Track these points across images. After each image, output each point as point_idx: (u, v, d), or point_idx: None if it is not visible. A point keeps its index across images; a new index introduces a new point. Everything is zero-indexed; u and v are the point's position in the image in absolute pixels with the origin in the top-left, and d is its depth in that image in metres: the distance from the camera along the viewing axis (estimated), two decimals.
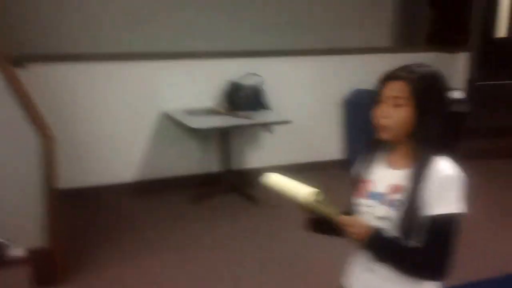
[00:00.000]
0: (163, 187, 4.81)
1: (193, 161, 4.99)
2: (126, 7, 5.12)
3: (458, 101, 5.45)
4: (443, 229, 1.49)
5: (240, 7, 5.54)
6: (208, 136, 4.91)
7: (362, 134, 5.27)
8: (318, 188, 1.56)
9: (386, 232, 1.52)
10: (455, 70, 5.75)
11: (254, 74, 4.90)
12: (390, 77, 1.56)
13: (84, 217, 4.24)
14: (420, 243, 1.50)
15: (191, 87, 4.90)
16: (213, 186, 4.78)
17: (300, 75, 5.33)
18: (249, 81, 4.87)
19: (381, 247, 1.53)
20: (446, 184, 1.50)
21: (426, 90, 1.53)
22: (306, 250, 3.75)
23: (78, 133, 4.57)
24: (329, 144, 5.57)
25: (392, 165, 1.60)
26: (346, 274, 1.75)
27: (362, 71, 5.48)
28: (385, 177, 1.60)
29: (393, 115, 1.53)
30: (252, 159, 5.21)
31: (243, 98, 4.79)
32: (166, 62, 4.83)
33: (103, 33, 4.98)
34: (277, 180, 1.66)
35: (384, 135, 1.57)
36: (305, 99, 5.36)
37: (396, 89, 1.53)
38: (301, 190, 1.58)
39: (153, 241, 3.87)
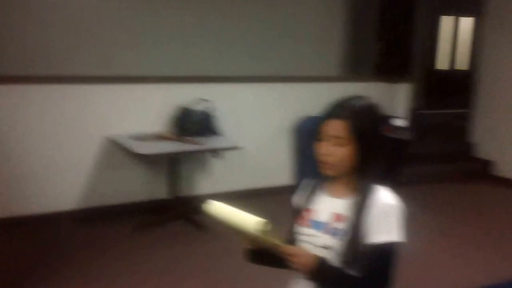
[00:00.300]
0: (107, 215, 4.68)
1: (139, 187, 4.90)
2: (73, 30, 5.07)
3: (400, 128, 5.61)
4: (383, 257, 1.51)
5: (191, 32, 5.57)
6: (155, 162, 4.85)
7: (312, 160, 5.37)
8: (263, 218, 1.53)
9: (330, 261, 1.54)
10: (398, 99, 5.94)
11: (205, 100, 4.90)
12: (330, 115, 1.59)
13: (20, 248, 4.07)
14: (361, 272, 1.52)
15: (138, 112, 4.85)
16: (160, 213, 4.69)
17: (251, 102, 5.37)
18: (199, 107, 4.87)
19: (325, 277, 1.53)
20: (386, 213, 1.53)
21: (366, 127, 1.57)
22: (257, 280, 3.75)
23: (15, 158, 4.41)
24: (279, 170, 5.60)
25: (334, 194, 1.63)
26: None
27: (312, 98, 5.57)
28: (327, 206, 1.62)
29: (335, 153, 1.57)
30: (201, 185, 5.17)
31: (193, 124, 4.77)
32: (112, 86, 4.76)
33: (44, 55, 4.90)
34: (221, 209, 1.62)
35: (328, 172, 1.60)
36: (256, 125, 5.39)
37: (337, 128, 1.56)
38: (247, 219, 1.54)
39: (94, 272, 3.69)
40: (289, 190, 5.39)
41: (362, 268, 1.51)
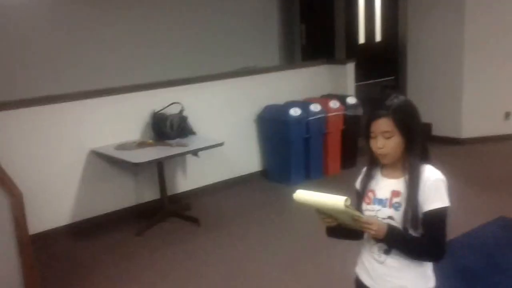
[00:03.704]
0: (101, 225, 4.80)
1: (127, 194, 5.06)
2: (37, 52, 5.10)
3: (353, 105, 6.08)
4: (438, 220, 1.88)
5: (151, 40, 5.74)
6: (141, 167, 5.02)
7: (275, 145, 5.73)
8: (345, 196, 1.79)
9: (398, 228, 1.89)
10: (346, 78, 6.37)
11: (176, 103, 5.11)
12: (376, 116, 1.91)
13: None
14: (419, 234, 1.89)
15: (115, 123, 4.97)
16: (152, 215, 4.88)
17: (216, 98, 5.62)
18: (172, 110, 5.08)
19: (396, 240, 1.88)
20: (435, 185, 1.88)
21: (405, 119, 1.91)
22: (255, 263, 4.06)
23: None
24: (248, 158, 5.93)
25: (389, 176, 1.97)
26: (356, 265, 2.10)
27: (271, 88, 5.94)
28: (385, 186, 1.96)
29: (387, 145, 1.89)
30: (183, 183, 5.41)
31: (169, 127, 4.97)
32: (87, 101, 4.82)
33: (16, 80, 4.91)
34: (307, 195, 1.87)
35: (385, 161, 1.94)
36: (222, 119, 5.66)
37: (384, 125, 1.88)
38: (334, 199, 1.79)
39: (102, 282, 3.83)
40: (259, 175, 5.81)
41: (418, 231, 1.88)
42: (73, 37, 5.38)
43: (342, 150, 6.05)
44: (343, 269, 3.71)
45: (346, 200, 1.75)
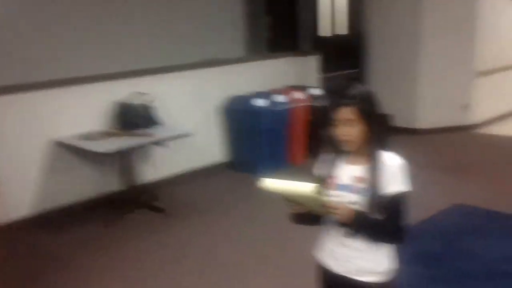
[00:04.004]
0: (67, 216, 4.76)
1: (92, 184, 5.04)
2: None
3: (318, 97, 6.18)
4: (398, 203, 1.97)
5: (118, 30, 5.70)
6: (106, 157, 5.00)
7: (242, 135, 5.79)
8: (315, 183, 1.87)
9: (363, 212, 1.98)
10: (311, 70, 6.48)
11: (141, 93, 5.10)
12: (340, 104, 1.98)
13: None
14: (381, 217, 1.98)
15: (81, 113, 4.93)
16: (118, 205, 4.88)
17: (183, 88, 5.64)
18: (137, 100, 5.07)
19: (361, 223, 1.96)
20: (396, 171, 1.97)
21: (368, 107, 1.98)
22: (226, 250, 4.13)
23: None
24: (215, 149, 5.97)
25: (352, 163, 2.05)
26: (319, 249, 2.18)
27: (236, 79, 5.98)
28: (348, 172, 2.04)
29: (350, 132, 1.97)
30: (150, 173, 5.41)
31: (135, 117, 4.97)
32: (52, 90, 4.78)
33: None
34: (275, 183, 1.92)
35: (348, 148, 2.01)
36: (190, 109, 5.67)
37: (347, 113, 1.95)
38: (304, 186, 1.85)
39: (77, 280, 3.77)
40: (225, 165, 5.86)
41: (384, 214, 1.97)
42: (36, 26, 5.29)
43: (307, 140, 6.15)
44: (309, 253, 3.85)
45: (316, 187, 1.82)
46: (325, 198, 1.92)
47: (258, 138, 5.71)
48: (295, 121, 5.95)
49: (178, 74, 5.62)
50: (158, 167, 5.45)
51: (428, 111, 7.01)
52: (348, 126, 1.97)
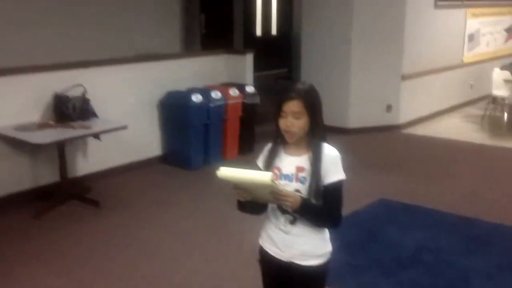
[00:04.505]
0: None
1: (24, 176, 4.92)
2: None
3: (251, 94, 6.33)
4: (337, 191, 2.14)
5: (56, 21, 5.60)
6: (40, 149, 4.91)
7: (176, 130, 5.83)
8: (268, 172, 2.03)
9: (308, 199, 2.11)
10: (245, 68, 6.60)
11: (78, 85, 5.04)
12: (287, 97, 2.12)
13: None
14: (322, 203, 2.13)
15: (15, 103, 4.79)
16: (51, 197, 4.80)
17: (118, 82, 5.60)
18: (74, 92, 5.00)
19: (307, 210, 2.10)
20: (334, 161, 2.14)
21: (312, 102, 2.15)
22: (157, 241, 4.20)
23: None
24: (149, 142, 5.98)
25: (293, 154, 2.19)
26: (262, 237, 2.31)
27: (171, 74, 6.02)
28: (290, 162, 2.18)
29: (295, 124, 2.11)
30: (83, 165, 5.35)
31: (71, 109, 4.91)
32: None
33: None
34: (231, 172, 2.01)
35: (291, 139, 2.14)
36: (125, 103, 5.65)
37: (294, 106, 2.10)
38: (260, 175, 1.98)
39: (3, 268, 3.71)
40: (160, 159, 5.89)
41: (323, 200, 2.12)
42: None
43: (240, 136, 6.29)
44: (240, 244, 3.98)
45: (271, 176, 1.95)
46: (279, 187, 2.04)
47: (192, 133, 5.77)
48: (228, 117, 6.07)
49: (115, 67, 5.59)
50: (92, 160, 5.41)
51: (357, 111, 7.32)
52: (294, 118, 2.11)
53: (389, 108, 7.50)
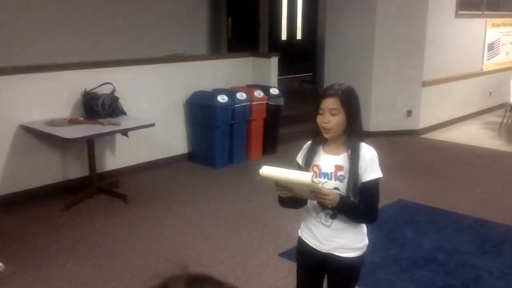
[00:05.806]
0: (28, 200, 4.63)
1: (55, 170, 4.92)
2: None
3: (275, 96, 6.27)
4: (374, 189, 2.10)
5: (88, 21, 5.61)
6: (71, 144, 4.90)
7: (201, 129, 5.80)
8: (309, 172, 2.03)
9: (346, 197, 2.07)
10: (270, 71, 6.55)
11: (108, 83, 5.04)
12: (325, 95, 2.10)
13: None
14: (359, 201, 2.08)
15: (47, 99, 4.82)
16: (79, 191, 4.77)
17: (147, 81, 5.59)
18: (103, 90, 5.00)
19: (345, 207, 2.07)
20: (371, 160, 2.09)
21: (350, 100, 2.11)
22: (181, 235, 4.15)
23: None
24: (176, 141, 5.94)
25: (331, 152, 2.14)
26: (301, 228, 2.27)
27: (198, 75, 5.99)
28: (328, 161, 2.13)
29: (332, 120, 2.07)
30: (112, 161, 5.34)
31: (100, 106, 4.89)
32: (19, 76, 4.65)
33: None
34: (273, 170, 2.00)
35: (328, 135, 2.11)
36: (153, 102, 5.63)
37: (331, 103, 2.07)
38: (301, 174, 1.97)
39: (34, 256, 3.71)
40: (186, 157, 5.86)
41: (361, 197, 2.08)
42: (7, 13, 5.14)
43: (264, 137, 6.23)
44: (264, 241, 3.91)
45: (312, 176, 1.94)
46: (319, 185, 2.01)
47: (217, 133, 5.73)
48: (253, 118, 6.02)
49: (144, 67, 5.58)
50: (120, 156, 5.39)
51: (378, 116, 7.23)
52: (331, 115, 2.06)
53: (409, 113, 7.40)
